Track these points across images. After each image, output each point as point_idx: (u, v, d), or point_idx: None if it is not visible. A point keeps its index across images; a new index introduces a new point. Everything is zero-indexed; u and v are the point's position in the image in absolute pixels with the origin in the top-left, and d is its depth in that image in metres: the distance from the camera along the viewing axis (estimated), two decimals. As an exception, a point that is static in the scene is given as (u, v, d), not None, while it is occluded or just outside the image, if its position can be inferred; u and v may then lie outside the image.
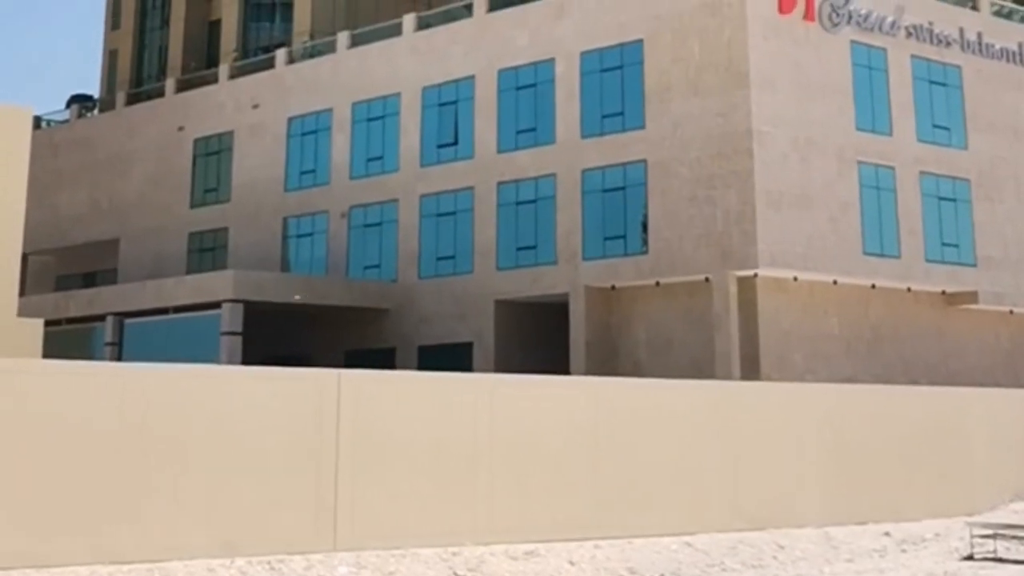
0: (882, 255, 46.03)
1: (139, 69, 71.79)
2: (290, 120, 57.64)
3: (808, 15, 45.24)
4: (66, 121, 70.73)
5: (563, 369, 44.68)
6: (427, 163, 52.31)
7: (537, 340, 48.54)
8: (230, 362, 45.37)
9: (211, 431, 21.36)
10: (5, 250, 28.26)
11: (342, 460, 22.45)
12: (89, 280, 65.71)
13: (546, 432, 25.20)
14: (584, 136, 47.52)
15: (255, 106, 59.09)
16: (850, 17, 46.37)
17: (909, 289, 47.49)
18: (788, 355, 44.06)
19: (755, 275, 43.32)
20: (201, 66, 67.44)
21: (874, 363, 46.19)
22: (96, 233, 65.48)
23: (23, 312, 30.78)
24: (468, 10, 53.05)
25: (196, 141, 61.79)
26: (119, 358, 50.05)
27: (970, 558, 25.98)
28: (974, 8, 51.31)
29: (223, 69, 62.51)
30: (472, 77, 51.30)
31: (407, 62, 53.98)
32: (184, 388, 21.59)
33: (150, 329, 50.89)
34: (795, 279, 44.24)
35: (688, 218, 44.16)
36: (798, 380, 41.96)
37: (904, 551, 26.95)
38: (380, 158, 54.07)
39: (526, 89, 49.64)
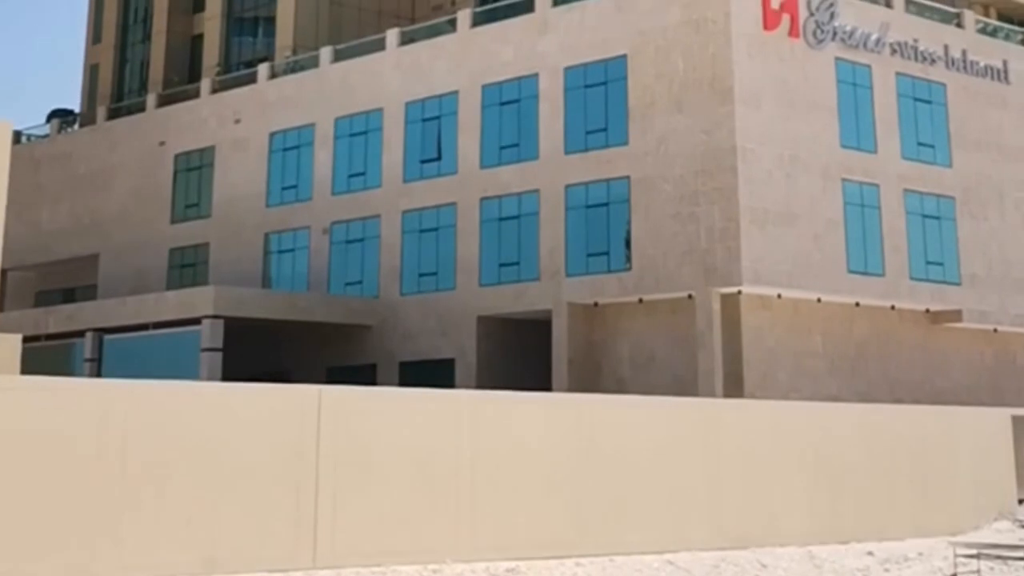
0: (866, 273, 45.94)
1: (120, 84, 71.55)
2: (272, 135, 57.46)
3: (793, 32, 45.19)
4: (47, 136, 70.53)
5: (545, 386, 44.56)
6: (410, 179, 52.16)
7: (519, 357, 48.38)
8: (210, 378, 45.11)
9: (191, 448, 21.21)
10: (-17, 265, 28.13)
11: (323, 477, 22.30)
12: (69, 296, 65.40)
13: (528, 449, 25.09)
14: (568, 152, 47.40)
15: (237, 121, 58.91)
16: (835, 34, 46.32)
17: (893, 307, 47.43)
18: (772, 373, 43.94)
19: (739, 292, 43.21)
20: (183, 81, 67.22)
21: (858, 381, 46.11)
22: (76, 248, 65.24)
23: (2, 327, 30.69)
24: (452, 25, 52.97)
25: (177, 156, 61.57)
26: (99, 374, 49.80)
27: (954, 577, 25.86)
28: (959, 25, 51.30)
29: (205, 84, 62.33)
30: (455, 92, 51.18)
31: (390, 77, 53.85)
32: (164, 404, 21.45)
33: (130, 345, 50.60)
34: (779, 296, 44.14)
35: (672, 235, 44.04)
36: (782, 398, 41.83)
37: (887, 570, 26.82)
38: (362, 174, 53.89)
39: (509, 104, 49.54)
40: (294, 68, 59.25)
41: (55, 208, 66.77)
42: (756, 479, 28.55)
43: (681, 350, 44.25)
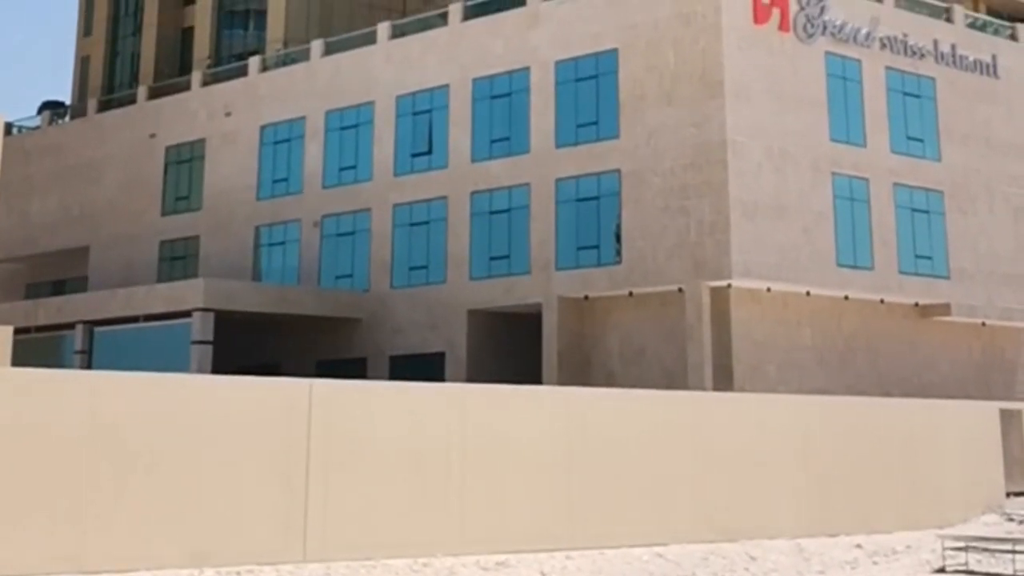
0: (855, 266, 46.03)
1: (111, 76, 71.45)
2: (263, 128, 57.42)
3: (783, 26, 45.24)
4: (38, 127, 70.42)
5: (535, 379, 44.56)
6: (400, 172, 52.15)
7: (509, 350, 48.42)
8: (200, 371, 45.12)
9: (181, 440, 21.26)
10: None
11: (313, 470, 22.37)
12: (59, 288, 65.32)
13: (518, 443, 25.16)
14: (558, 145, 47.41)
15: (228, 114, 58.87)
16: (825, 28, 46.38)
17: (882, 301, 47.52)
18: (761, 366, 44.01)
19: (728, 285, 43.27)
20: (174, 73, 67.13)
21: (847, 374, 46.21)
22: (67, 240, 65.17)
23: (-8, 319, 30.66)
24: (443, 19, 52.92)
25: (168, 149, 61.52)
26: (89, 366, 49.74)
27: (942, 571, 25.96)
28: (948, 20, 51.33)
29: (196, 76, 62.26)
30: (446, 86, 51.17)
31: (381, 70, 53.83)
32: (154, 397, 21.50)
33: (120, 337, 50.60)
34: (768, 290, 44.22)
35: (661, 228, 44.09)
36: (771, 391, 41.93)
37: (876, 563, 26.94)
38: (353, 167, 53.89)
39: (500, 98, 49.54)
40: (285, 61, 59.22)
41: (45, 200, 66.66)
42: (745, 472, 28.65)
43: (671, 343, 44.30)
